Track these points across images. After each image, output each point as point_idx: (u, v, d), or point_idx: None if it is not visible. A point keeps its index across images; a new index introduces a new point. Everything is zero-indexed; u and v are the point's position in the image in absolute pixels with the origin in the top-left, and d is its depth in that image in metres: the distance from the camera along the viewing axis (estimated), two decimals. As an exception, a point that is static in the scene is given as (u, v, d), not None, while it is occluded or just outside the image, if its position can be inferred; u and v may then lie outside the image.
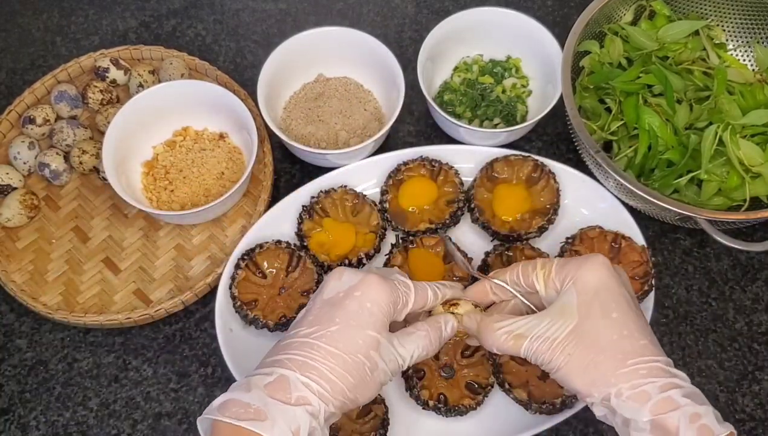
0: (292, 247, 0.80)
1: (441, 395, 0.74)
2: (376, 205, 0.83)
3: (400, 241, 0.82)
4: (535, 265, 0.64)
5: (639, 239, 0.80)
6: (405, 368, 0.62)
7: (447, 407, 0.73)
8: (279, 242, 0.80)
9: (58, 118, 0.92)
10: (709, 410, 0.54)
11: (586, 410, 0.76)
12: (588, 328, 0.58)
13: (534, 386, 0.74)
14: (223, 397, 0.55)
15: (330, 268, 0.81)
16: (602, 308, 0.58)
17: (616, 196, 0.83)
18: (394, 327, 0.63)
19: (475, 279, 0.73)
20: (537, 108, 0.91)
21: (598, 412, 0.59)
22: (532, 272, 0.64)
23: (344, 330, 0.58)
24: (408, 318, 0.65)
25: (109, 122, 0.84)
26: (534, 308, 0.65)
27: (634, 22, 0.91)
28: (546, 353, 0.59)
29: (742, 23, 0.91)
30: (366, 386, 0.58)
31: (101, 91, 0.92)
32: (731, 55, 0.91)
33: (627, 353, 0.56)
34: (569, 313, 0.59)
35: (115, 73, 0.93)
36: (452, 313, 0.66)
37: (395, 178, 0.84)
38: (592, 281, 0.60)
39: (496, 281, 0.66)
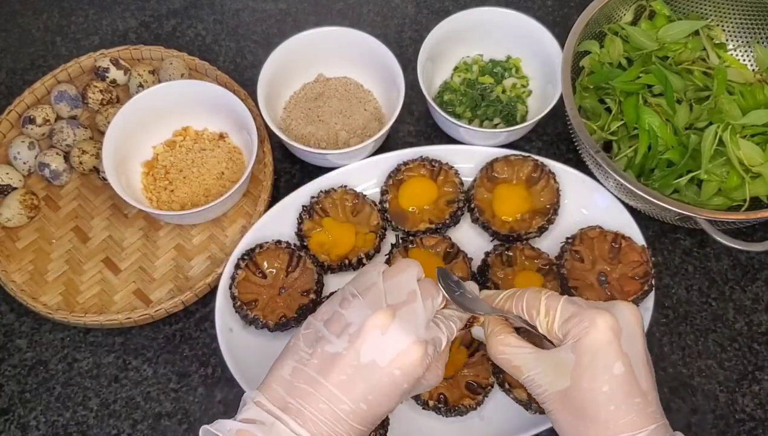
0: (292, 247, 0.80)
1: (441, 395, 0.74)
2: (376, 205, 0.83)
3: (400, 241, 0.82)
4: (539, 308, 0.61)
5: (639, 239, 0.80)
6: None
7: (447, 407, 0.73)
8: (279, 242, 0.80)
9: (58, 118, 0.92)
10: None
11: (586, 410, 0.76)
12: (576, 395, 0.57)
13: (534, 386, 0.74)
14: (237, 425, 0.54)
15: (330, 268, 0.81)
16: (596, 377, 0.56)
17: (616, 197, 0.83)
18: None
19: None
20: (537, 108, 0.91)
21: None
22: (536, 315, 0.61)
23: (372, 408, 0.56)
24: None
25: (109, 122, 0.84)
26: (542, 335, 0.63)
27: (634, 22, 0.91)
28: (539, 396, 0.59)
29: (742, 23, 0.91)
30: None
31: (101, 91, 0.92)
32: (731, 55, 0.91)
33: (611, 429, 0.56)
34: (563, 372, 0.58)
35: (115, 73, 0.93)
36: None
37: (395, 178, 0.84)
38: (592, 346, 0.57)
39: (500, 314, 0.63)
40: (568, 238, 0.81)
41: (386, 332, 0.56)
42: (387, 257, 0.81)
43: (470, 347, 0.77)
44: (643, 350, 0.59)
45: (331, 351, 0.56)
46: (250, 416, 0.54)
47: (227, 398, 0.79)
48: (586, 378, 0.57)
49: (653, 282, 0.78)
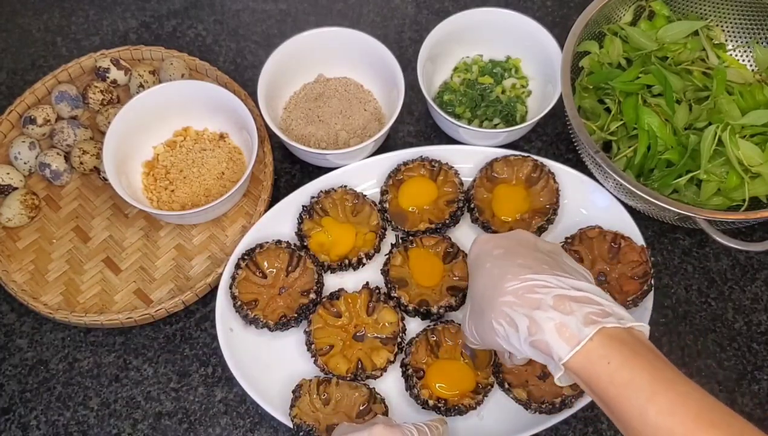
0: (292, 247, 0.80)
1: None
2: (376, 205, 0.84)
3: (400, 241, 0.82)
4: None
5: (638, 238, 0.81)
6: None
7: (447, 407, 0.73)
8: (279, 241, 0.80)
9: (59, 118, 0.92)
10: (577, 314, 0.54)
11: (586, 409, 0.76)
12: (471, 290, 0.63)
13: (533, 385, 0.74)
14: None
15: (330, 268, 0.81)
16: (479, 267, 0.62)
17: (615, 197, 0.83)
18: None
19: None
20: (536, 108, 0.91)
21: (517, 355, 0.60)
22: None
23: None
24: None
25: (109, 122, 0.84)
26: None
27: (634, 23, 0.91)
28: (467, 330, 0.65)
29: (741, 24, 0.91)
30: None
31: (102, 91, 0.92)
32: (730, 55, 0.91)
33: (492, 293, 0.58)
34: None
35: (115, 74, 0.93)
36: None
37: (395, 178, 0.84)
38: (470, 259, 0.66)
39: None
40: (567, 238, 0.81)
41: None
42: (387, 256, 0.81)
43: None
44: (533, 241, 0.65)
45: None
46: None
47: (227, 397, 0.79)
48: (473, 272, 0.64)
49: (652, 282, 0.78)
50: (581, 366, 0.53)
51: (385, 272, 0.80)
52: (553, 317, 0.54)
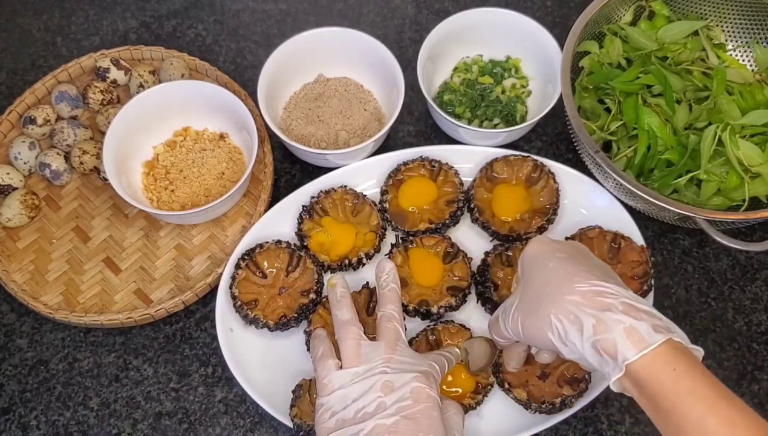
0: (292, 247, 0.80)
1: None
2: (376, 205, 0.84)
3: (400, 241, 0.82)
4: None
5: (638, 238, 0.81)
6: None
7: (447, 407, 0.73)
8: (279, 241, 0.80)
9: (59, 118, 0.92)
10: (646, 322, 0.55)
11: (586, 409, 0.76)
12: (528, 284, 0.62)
13: (533, 385, 0.74)
14: None
15: (330, 268, 0.81)
16: (540, 265, 0.62)
17: (615, 197, 0.83)
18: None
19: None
20: (536, 108, 0.91)
21: (566, 355, 0.60)
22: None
23: None
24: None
25: (109, 122, 0.84)
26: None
27: (634, 23, 0.91)
28: (511, 321, 0.63)
29: (741, 24, 0.91)
30: None
31: (102, 91, 0.92)
32: (730, 55, 0.91)
33: (558, 290, 0.59)
34: (518, 283, 0.65)
35: (115, 74, 0.93)
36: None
37: (395, 178, 0.84)
38: (530, 251, 0.65)
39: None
40: (567, 238, 0.81)
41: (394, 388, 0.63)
42: (387, 256, 0.81)
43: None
44: (591, 255, 0.66)
45: None
46: None
47: (227, 397, 0.79)
48: (533, 269, 0.63)
49: (652, 282, 0.78)
50: (644, 369, 0.54)
51: (385, 272, 0.80)
52: (623, 320, 0.55)
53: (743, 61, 0.92)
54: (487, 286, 0.78)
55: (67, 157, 0.88)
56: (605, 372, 0.56)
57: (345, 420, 0.61)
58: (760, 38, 0.91)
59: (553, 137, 0.93)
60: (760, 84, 0.86)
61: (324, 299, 0.79)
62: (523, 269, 0.65)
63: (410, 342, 0.77)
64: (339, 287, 0.70)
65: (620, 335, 0.54)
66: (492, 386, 0.75)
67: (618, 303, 0.56)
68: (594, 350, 0.56)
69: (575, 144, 0.87)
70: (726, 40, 0.92)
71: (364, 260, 0.81)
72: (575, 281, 0.59)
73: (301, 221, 0.82)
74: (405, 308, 0.78)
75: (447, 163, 0.85)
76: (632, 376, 0.54)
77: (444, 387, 0.74)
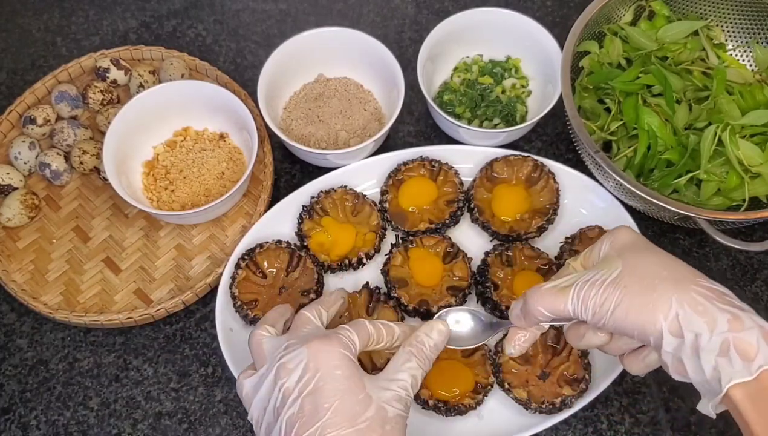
0: (292, 247, 0.80)
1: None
2: (376, 205, 0.84)
3: (400, 241, 0.82)
4: (576, 259, 0.64)
5: (638, 238, 0.81)
6: (413, 394, 0.59)
7: (447, 407, 0.73)
8: (279, 241, 0.80)
9: (59, 118, 0.92)
10: None
11: (586, 409, 0.76)
12: (637, 265, 0.56)
13: (533, 385, 0.74)
14: None
15: (330, 268, 0.81)
16: (647, 250, 0.58)
17: (615, 196, 0.83)
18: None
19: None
20: (536, 108, 0.91)
21: (667, 347, 0.53)
22: (567, 269, 0.63)
23: (337, 409, 0.54)
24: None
25: (109, 122, 0.84)
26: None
27: (634, 23, 0.91)
28: (597, 296, 0.56)
29: (741, 23, 0.91)
30: (391, 428, 0.56)
31: (102, 91, 0.92)
32: (730, 55, 0.91)
33: (681, 278, 0.54)
34: (613, 261, 0.58)
35: (115, 74, 0.93)
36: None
37: (395, 178, 0.84)
38: (626, 236, 0.60)
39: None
40: (567, 238, 0.81)
41: (288, 364, 0.57)
42: (387, 256, 0.81)
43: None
44: None
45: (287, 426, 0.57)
46: None
47: (227, 397, 0.79)
48: (637, 249, 0.58)
49: (652, 282, 0.78)
50: None
51: (385, 272, 0.80)
52: (762, 324, 0.52)
53: (743, 61, 0.92)
54: (487, 286, 0.78)
55: (67, 157, 0.88)
56: (723, 377, 0.51)
57: (269, 424, 0.57)
58: (760, 38, 0.91)
59: (553, 137, 0.93)
60: (760, 84, 0.86)
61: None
62: (621, 248, 0.59)
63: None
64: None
65: (758, 336, 0.51)
66: (492, 386, 0.75)
67: (746, 308, 0.53)
68: (713, 350, 0.51)
69: (575, 144, 0.87)
70: (726, 40, 0.92)
71: (364, 260, 0.81)
72: (697, 275, 0.55)
73: (301, 220, 0.82)
74: (405, 308, 0.78)
75: (447, 163, 0.85)
76: (759, 382, 0.50)
77: (441, 390, 0.74)
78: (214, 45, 1.00)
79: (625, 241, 0.60)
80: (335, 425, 0.54)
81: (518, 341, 0.64)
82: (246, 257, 0.79)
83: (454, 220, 0.83)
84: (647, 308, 0.54)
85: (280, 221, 0.83)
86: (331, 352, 0.57)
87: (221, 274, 0.80)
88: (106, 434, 0.78)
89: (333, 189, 0.83)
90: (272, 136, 0.89)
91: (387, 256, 0.81)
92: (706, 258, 0.86)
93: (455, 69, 0.95)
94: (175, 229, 0.87)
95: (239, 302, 0.77)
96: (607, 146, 0.87)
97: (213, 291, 0.82)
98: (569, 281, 0.59)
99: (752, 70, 0.91)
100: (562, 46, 0.86)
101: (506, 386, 0.74)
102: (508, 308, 0.76)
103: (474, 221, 0.84)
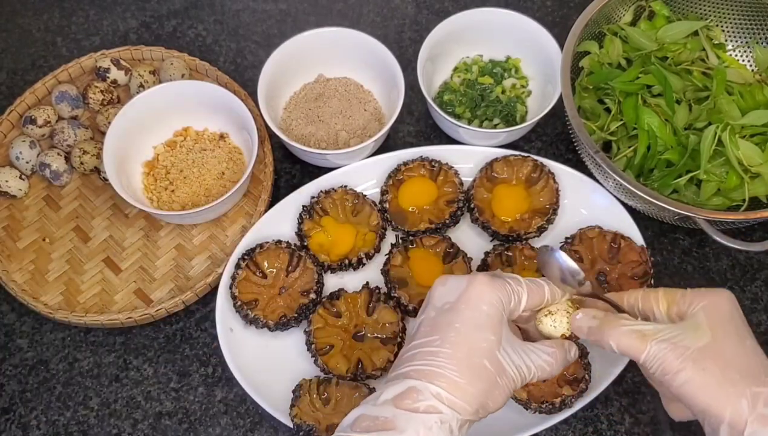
0: (292, 247, 0.80)
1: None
2: (376, 205, 0.84)
3: (400, 241, 0.82)
4: (658, 292, 0.62)
5: (638, 238, 0.81)
6: (526, 381, 0.59)
7: (447, 407, 0.73)
8: (279, 242, 0.80)
9: (59, 118, 0.92)
10: None
11: (586, 409, 0.76)
12: (723, 347, 0.56)
13: (533, 385, 0.74)
14: (354, 413, 0.55)
15: (330, 268, 0.81)
16: (737, 333, 0.57)
17: (615, 197, 0.83)
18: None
19: None
20: (536, 108, 0.91)
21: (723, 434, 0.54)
22: (654, 298, 0.62)
23: (464, 334, 0.56)
24: (519, 321, 0.64)
25: (109, 122, 0.85)
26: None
27: (634, 23, 0.91)
28: (674, 361, 0.56)
29: (741, 24, 0.91)
30: (496, 391, 0.57)
31: (102, 91, 0.92)
32: (730, 55, 0.91)
33: (758, 379, 0.54)
34: (701, 330, 0.57)
35: (115, 74, 0.93)
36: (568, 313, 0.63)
37: (395, 178, 0.84)
38: (724, 307, 0.58)
39: (611, 299, 0.64)
40: (567, 238, 0.81)
41: (447, 282, 0.61)
42: (387, 256, 0.81)
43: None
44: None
45: (415, 331, 0.60)
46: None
47: (227, 397, 0.79)
48: (729, 330, 0.56)
49: (652, 282, 0.78)
50: None
51: (385, 272, 0.80)
52: None
53: (743, 61, 0.92)
54: (487, 286, 0.78)
55: (67, 158, 0.88)
56: None
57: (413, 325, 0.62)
58: (760, 38, 0.91)
59: (553, 137, 0.93)
60: (759, 84, 0.86)
61: (324, 299, 0.79)
62: (714, 318, 0.57)
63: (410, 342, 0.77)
64: None
65: None
66: (492, 386, 0.75)
67: None
68: None
69: (575, 144, 0.87)
70: (726, 40, 0.92)
71: (364, 260, 0.81)
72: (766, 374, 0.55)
73: (301, 220, 0.82)
74: (405, 308, 0.78)
75: (447, 163, 0.85)
76: None
77: None
78: (214, 45, 1.01)
79: (723, 312, 0.58)
80: (454, 344, 0.56)
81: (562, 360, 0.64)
82: (246, 257, 0.79)
83: (454, 220, 0.83)
84: (719, 400, 0.54)
85: (280, 221, 0.83)
86: (488, 292, 0.58)
87: (221, 274, 0.80)
88: (107, 434, 0.78)
89: (333, 189, 0.83)
90: (272, 136, 0.89)
91: (387, 256, 0.81)
92: (706, 258, 0.86)
93: (455, 69, 0.95)
94: (175, 229, 0.87)
95: (239, 302, 0.77)
96: (607, 146, 0.87)
97: (213, 291, 0.82)
98: (651, 332, 0.58)
99: (752, 70, 0.91)
100: (562, 46, 0.86)
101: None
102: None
103: (474, 221, 0.84)
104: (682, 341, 0.56)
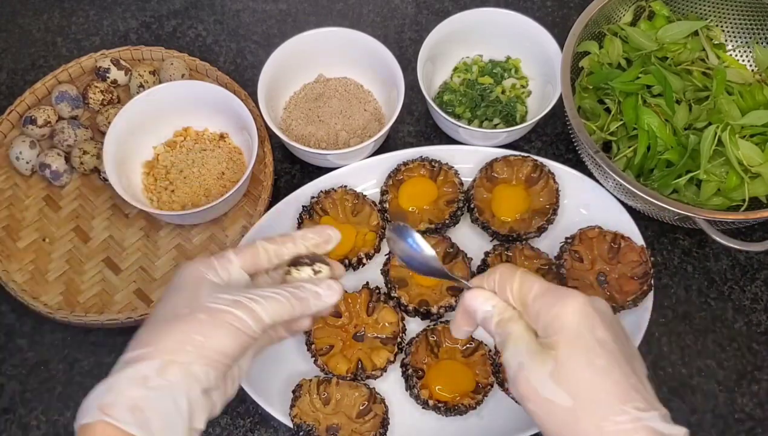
0: (293, 247, 0.80)
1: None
2: (376, 205, 0.84)
3: (400, 241, 0.82)
4: (514, 282, 0.55)
5: (638, 238, 0.81)
6: (259, 312, 0.54)
7: (447, 407, 0.73)
8: (279, 242, 0.80)
9: (59, 118, 0.92)
10: None
11: (586, 409, 0.76)
12: (569, 376, 0.50)
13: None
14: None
15: (330, 268, 0.81)
16: (586, 353, 0.50)
17: (615, 197, 0.83)
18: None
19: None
20: (536, 108, 0.91)
21: None
22: (509, 289, 0.55)
23: (161, 302, 0.56)
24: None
25: (109, 123, 0.85)
26: None
27: (634, 23, 0.91)
28: (521, 387, 0.52)
29: (741, 24, 0.91)
30: (208, 328, 0.53)
31: (102, 91, 0.92)
32: (730, 55, 0.91)
33: (610, 409, 0.49)
34: (547, 354, 0.51)
35: (115, 74, 0.93)
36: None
37: (395, 178, 0.84)
38: (570, 322, 0.51)
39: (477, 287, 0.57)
40: (567, 238, 0.81)
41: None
42: (387, 257, 0.81)
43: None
44: (627, 337, 0.55)
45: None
46: None
47: (227, 397, 0.79)
48: (576, 354, 0.50)
49: (652, 282, 0.78)
50: None
51: (385, 272, 0.80)
52: None
53: (743, 61, 0.92)
54: (487, 286, 0.78)
55: (67, 158, 0.88)
56: None
57: None
58: (760, 38, 0.91)
59: (553, 137, 0.93)
60: (759, 84, 0.86)
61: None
62: (560, 337, 0.51)
63: (410, 342, 0.77)
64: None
65: None
66: (492, 386, 0.75)
67: None
68: None
69: (575, 144, 0.87)
70: (726, 40, 0.92)
71: (364, 260, 0.81)
72: (621, 401, 0.50)
73: (301, 221, 0.82)
74: (405, 308, 0.78)
75: (447, 163, 0.85)
76: None
77: (441, 390, 0.74)
78: (214, 45, 1.01)
79: (569, 329, 0.51)
80: (153, 313, 0.56)
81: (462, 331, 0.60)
82: (246, 257, 0.79)
83: (454, 220, 0.83)
84: (572, 423, 0.50)
85: (280, 221, 0.83)
86: (182, 268, 0.58)
87: (221, 274, 0.80)
88: (107, 434, 0.78)
89: (333, 189, 0.83)
90: (272, 136, 0.89)
91: (387, 256, 0.81)
92: (705, 258, 0.86)
93: (455, 69, 0.95)
94: (175, 229, 0.87)
95: (239, 302, 0.77)
96: (606, 146, 0.87)
97: (213, 291, 0.81)
98: (503, 330, 0.54)
99: (752, 70, 0.91)
100: (562, 46, 0.86)
101: (506, 386, 0.74)
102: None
103: (474, 221, 0.84)
104: (529, 364, 0.52)
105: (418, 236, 0.61)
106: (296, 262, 0.60)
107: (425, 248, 0.60)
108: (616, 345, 0.51)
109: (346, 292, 0.78)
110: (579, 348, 0.51)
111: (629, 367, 0.51)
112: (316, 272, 0.60)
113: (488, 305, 0.55)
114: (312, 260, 0.60)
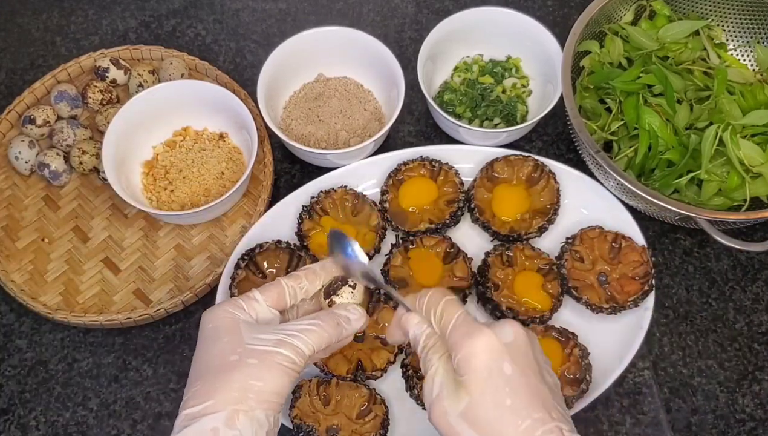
0: (292, 247, 0.80)
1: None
2: (376, 205, 0.83)
3: (400, 241, 0.82)
4: (437, 309, 0.58)
5: (639, 239, 0.80)
6: (302, 347, 0.58)
7: (447, 408, 0.73)
8: (279, 242, 0.80)
9: (58, 118, 0.92)
10: None
11: (586, 410, 0.76)
12: (480, 414, 0.53)
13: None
14: None
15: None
16: (495, 392, 0.53)
17: (616, 196, 0.83)
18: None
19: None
20: (537, 108, 0.91)
21: None
22: (433, 315, 0.59)
23: (200, 352, 0.59)
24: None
25: (109, 122, 0.84)
26: None
27: (635, 22, 0.90)
28: (436, 416, 0.55)
29: (742, 23, 0.91)
30: (255, 371, 0.56)
31: (101, 91, 0.92)
32: (731, 55, 0.91)
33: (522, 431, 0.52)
34: (461, 390, 0.54)
35: (115, 73, 0.93)
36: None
37: (395, 178, 0.84)
38: (480, 362, 0.53)
39: (410, 315, 0.60)
40: (568, 238, 0.81)
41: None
42: (387, 256, 0.81)
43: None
44: (536, 363, 0.56)
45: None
46: None
47: (227, 398, 0.79)
48: (487, 393, 0.53)
49: (653, 282, 0.78)
50: None
51: (385, 272, 0.80)
52: None
53: (744, 60, 0.92)
54: (488, 286, 0.78)
55: (66, 158, 0.88)
56: None
57: None
58: (761, 38, 0.91)
59: (554, 137, 0.93)
60: (761, 84, 0.86)
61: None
62: (472, 380, 0.54)
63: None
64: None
65: None
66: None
67: None
68: None
69: (576, 144, 0.87)
70: (727, 40, 0.92)
71: (364, 260, 0.81)
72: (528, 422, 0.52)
73: (301, 221, 0.82)
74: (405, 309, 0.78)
75: (447, 163, 0.84)
76: None
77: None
78: (214, 45, 1.00)
79: (480, 368, 0.53)
80: (193, 366, 0.58)
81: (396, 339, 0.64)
82: (246, 257, 0.79)
83: (455, 220, 0.83)
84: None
85: (280, 221, 0.83)
86: (209, 313, 0.60)
87: (221, 274, 0.80)
88: (106, 434, 0.77)
89: (333, 189, 0.83)
90: (272, 136, 0.89)
91: (387, 256, 0.81)
92: (707, 258, 0.86)
93: (455, 69, 0.95)
94: (175, 229, 0.87)
95: (239, 303, 0.77)
96: (607, 146, 0.87)
97: (212, 291, 0.81)
98: (426, 358, 0.57)
99: (753, 69, 0.91)
100: (562, 45, 0.86)
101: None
102: (508, 308, 0.77)
103: (474, 221, 0.83)
104: (445, 397, 0.54)
105: (356, 245, 0.65)
106: (331, 289, 0.64)
107: (360, 256, 0.65)
108: (523, 378, 0.54)
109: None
110: (488, 390, 0.53)
111: (538, 399, 0.54)
112: (353, 288, 0.64)
113: (418, 329, 0.59)
114: (343, 279, 0.64)
